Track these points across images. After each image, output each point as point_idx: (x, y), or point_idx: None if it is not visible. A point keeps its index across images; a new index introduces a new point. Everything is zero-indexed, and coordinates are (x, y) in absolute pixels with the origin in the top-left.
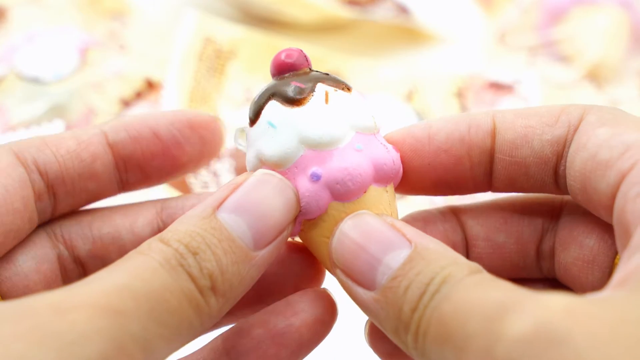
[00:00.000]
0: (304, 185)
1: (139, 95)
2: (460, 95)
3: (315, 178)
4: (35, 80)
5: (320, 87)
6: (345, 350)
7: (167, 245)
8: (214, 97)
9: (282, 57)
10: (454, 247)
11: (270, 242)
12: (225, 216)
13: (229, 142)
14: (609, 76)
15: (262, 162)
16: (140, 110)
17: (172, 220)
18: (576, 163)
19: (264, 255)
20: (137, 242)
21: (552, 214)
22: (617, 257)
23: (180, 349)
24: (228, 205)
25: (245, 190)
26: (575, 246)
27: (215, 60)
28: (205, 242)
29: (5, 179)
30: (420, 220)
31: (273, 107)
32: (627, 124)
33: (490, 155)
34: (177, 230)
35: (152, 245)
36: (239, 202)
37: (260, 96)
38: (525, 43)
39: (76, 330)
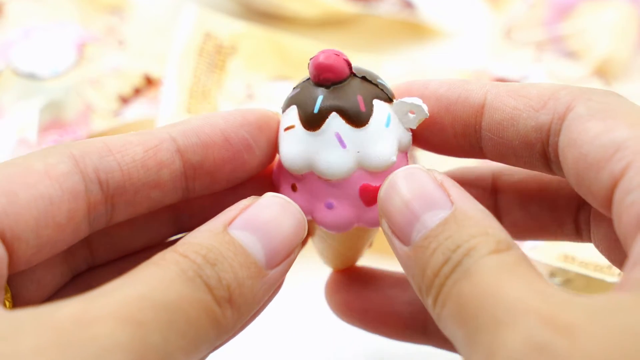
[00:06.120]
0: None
1: (137, 91)
2: None
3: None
4: (32, 76)
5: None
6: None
7: (184, 257)
8: (214, 93)
9: (321, 58)
10: None
11: (280, 262)
12: (237, 233)
13: None
14: (618, 72)
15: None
16: (139, 107)
17: None
18: (569, 159)
19: (274, 274)
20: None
21: None
22: None
23: None
24: (239, 223)
25: (255, 210)
26: (606, 223)
27: (216, 56)
28: (222, 255)
29: (54, 190)
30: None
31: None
32: (617, 116)
33: (475, 131)
34: (191, 243)
35: (167, 256)
36: (250, 220)
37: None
38: (532, 38)
39: (99, 343)
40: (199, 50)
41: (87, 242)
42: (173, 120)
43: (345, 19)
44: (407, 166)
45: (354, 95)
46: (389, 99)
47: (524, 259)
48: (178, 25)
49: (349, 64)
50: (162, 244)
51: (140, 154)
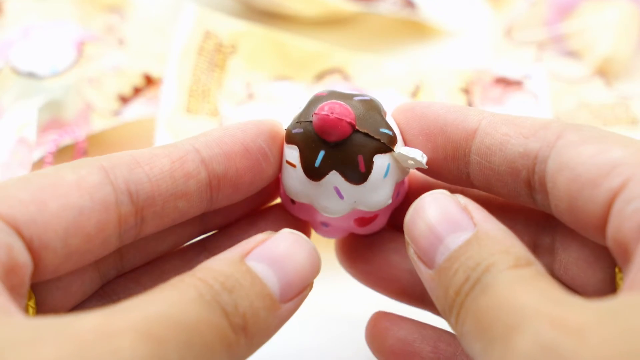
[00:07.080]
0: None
1: (137, 90)
2: (467, 90)
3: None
4: (31, 75)
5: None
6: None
7: (202, 281)
8: (214, 92)
9: (324, 113)
10: None
11: (294, 297)
12: (254, 264)
13: None
14: (619, 71)
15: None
16: (139, 107)
17: None
18: (560, 183)
19: (286, 309)
20: None
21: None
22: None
23: None
24: (256, 255)
25: (272, 244)
26: (577, 245)
27: (216, 55)
28: (239, 283)
29: (84, 201)
30: None
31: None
32: (608, 140)
33: (465, 154)
34: (210, 269)
35: (186, 280)
36: (267, 253)
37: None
38: (534, 38)
39: (119, 357)
40: (199, 49)
41: (117, 250)
42: (173, 120)
43: (346, 17)
44: (431, 191)
45: (355, 155)
46: (390, 149)
47: (544, 274)
48: (178, 24)
49: (352, 124)
50: (187, 247)
51: (167, 165)
